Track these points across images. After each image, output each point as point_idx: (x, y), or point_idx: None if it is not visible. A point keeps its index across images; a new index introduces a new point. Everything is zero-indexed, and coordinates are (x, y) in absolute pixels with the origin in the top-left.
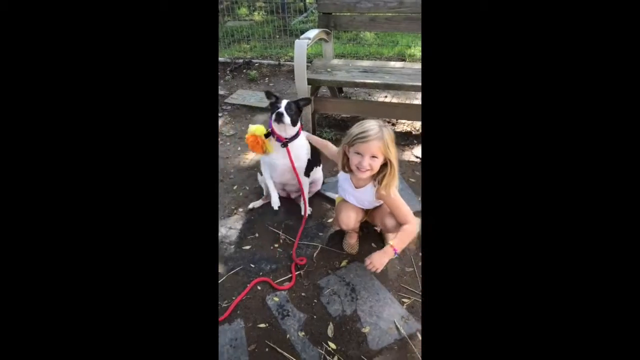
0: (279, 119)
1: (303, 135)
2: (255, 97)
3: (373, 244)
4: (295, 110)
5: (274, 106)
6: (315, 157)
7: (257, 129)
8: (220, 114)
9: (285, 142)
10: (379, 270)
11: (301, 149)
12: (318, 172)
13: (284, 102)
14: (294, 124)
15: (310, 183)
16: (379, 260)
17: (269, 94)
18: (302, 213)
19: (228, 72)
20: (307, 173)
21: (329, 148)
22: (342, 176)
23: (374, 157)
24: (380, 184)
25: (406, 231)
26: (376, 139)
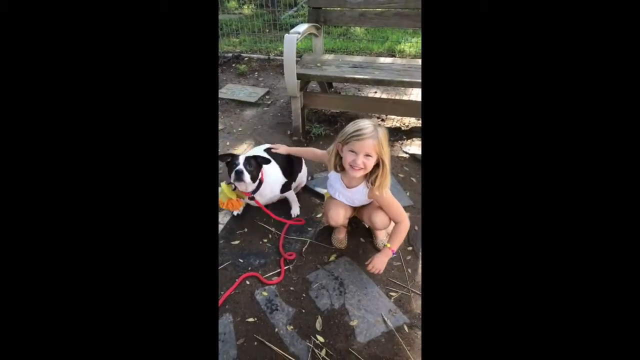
0: (239, 177)
1: (269, 174)
2: (244, 91)
3: (361, 239)
4: (255, 165)
5: (231, 164)
6: (295, 167)
7: (224, 192)
8: None
9: (251, 197)
10: (381, 272)
11: (271, 187)
12: (302, 177)
13: (241, 159)
14: (254, 180)
15: (296, 186)
16: (380, 262)
17: (222, 157)
18: (291, 213)
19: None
20: (288, 188)
21: (314, 153)
22: (333, 175)
23: (367, 155)
24: (373, 184)
25: (400, 230)
26: (371, 138)
